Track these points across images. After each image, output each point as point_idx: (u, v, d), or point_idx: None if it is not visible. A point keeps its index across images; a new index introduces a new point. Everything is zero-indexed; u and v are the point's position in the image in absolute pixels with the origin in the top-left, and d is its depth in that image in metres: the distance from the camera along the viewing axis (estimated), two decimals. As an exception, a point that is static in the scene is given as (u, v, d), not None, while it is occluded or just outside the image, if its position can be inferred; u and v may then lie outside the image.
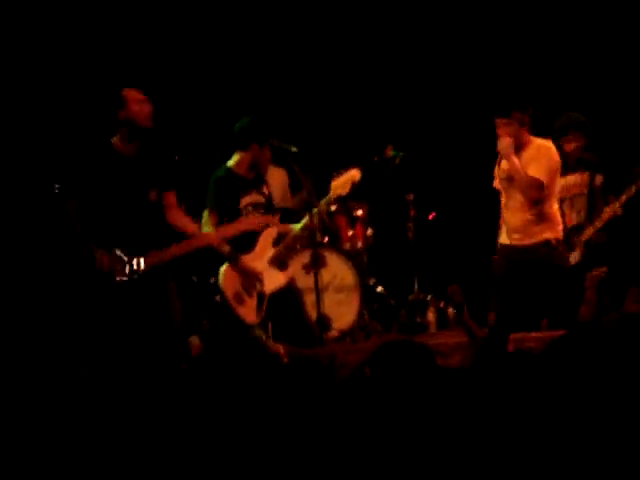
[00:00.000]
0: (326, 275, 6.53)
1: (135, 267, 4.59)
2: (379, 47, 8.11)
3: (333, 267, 6.69)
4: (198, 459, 3.05)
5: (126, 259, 4.58)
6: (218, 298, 5.18)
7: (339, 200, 6.05)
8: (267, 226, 5.41)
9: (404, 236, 7.40)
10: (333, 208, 6.73)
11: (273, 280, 5.40)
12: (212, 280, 5.15)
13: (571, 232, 5.78)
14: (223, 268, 5.19)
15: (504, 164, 5.43)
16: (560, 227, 5.44)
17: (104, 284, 4.59)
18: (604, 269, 5.82)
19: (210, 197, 5.62)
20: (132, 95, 4.78)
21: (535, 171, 5.25)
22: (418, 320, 7.09)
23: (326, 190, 5.74)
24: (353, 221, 7.14)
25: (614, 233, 5.76)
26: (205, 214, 5.59)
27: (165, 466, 3.05)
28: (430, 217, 7.96)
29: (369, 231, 7.26)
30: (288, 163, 5.93)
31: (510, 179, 5.38)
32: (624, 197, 5.59)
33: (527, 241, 5.36)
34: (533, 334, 5.11)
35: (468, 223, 7.67)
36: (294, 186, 6.36)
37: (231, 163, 5.74)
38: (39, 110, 6.90)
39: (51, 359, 5.22)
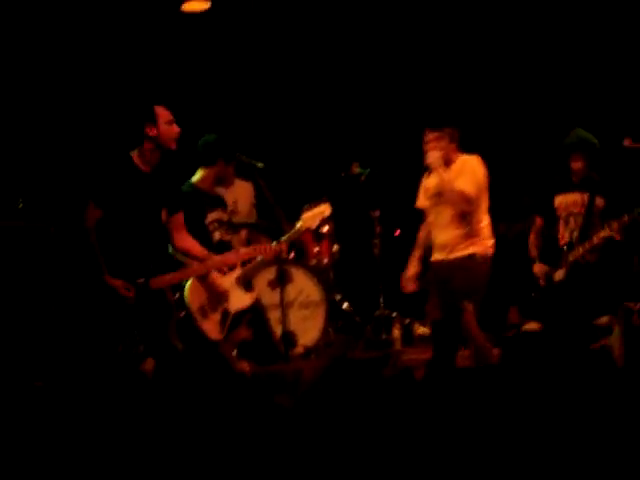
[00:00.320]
0: (292, 291, 6.52)
1: (142, 291, 4.64)
2: (344, 65, 8.15)
3: (299, 283, 6.69)
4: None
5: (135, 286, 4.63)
6: (182, 314, 5.14)
7: (307, 232, 6.03)
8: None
9: (370, 252, 7.43)
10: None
11: (239, 300, 5.37)
12: (177, 296, 5.11)
13: (561, 250, 5.77)
14: (189, 282, 5.15)
15: (431, 181, 5.47)
16: (489, 242, 5.41)
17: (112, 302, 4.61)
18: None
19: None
20: (163, 114, 4.73)
21: (463, 184, 5.28)
22: (384, 337, 7.11)
23: (293, 211, 5.71)
24: (319, 237, 7.15)
25: (606, 255, 5.67)
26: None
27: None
28: (396, 233, 7.99)
29: (335, 247, 7.27)
30: (254, 178, 5.92)
31: (439, 195, 5.41)
32: (616, 225, 5.51)
33: (452, 255, 5.38)
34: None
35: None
36: (260, 202, 6.34)
37: (195, 179, 5.70)
38: (59, 118, 7.04)
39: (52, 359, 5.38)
